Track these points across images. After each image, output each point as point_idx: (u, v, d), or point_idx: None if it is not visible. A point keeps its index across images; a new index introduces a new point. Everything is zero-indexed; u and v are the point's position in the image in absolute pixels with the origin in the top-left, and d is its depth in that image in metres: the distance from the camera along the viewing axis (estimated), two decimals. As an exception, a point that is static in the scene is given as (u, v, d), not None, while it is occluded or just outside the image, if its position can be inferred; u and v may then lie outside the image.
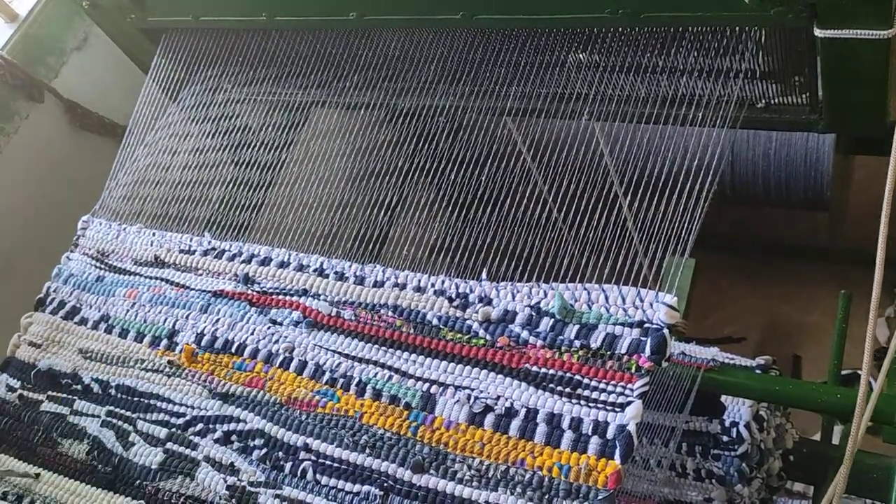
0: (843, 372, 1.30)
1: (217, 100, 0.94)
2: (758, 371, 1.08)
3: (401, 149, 0.82)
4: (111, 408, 0.76)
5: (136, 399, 0.76)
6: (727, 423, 0.98)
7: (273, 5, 0.81)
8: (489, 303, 0.67)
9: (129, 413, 0.75)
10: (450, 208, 0.79)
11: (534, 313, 0.65)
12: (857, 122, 0.74)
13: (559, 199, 0.77)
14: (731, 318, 1.62)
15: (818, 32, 0.60)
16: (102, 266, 0.86)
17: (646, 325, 0.61)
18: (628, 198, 0.76)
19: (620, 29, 0.72)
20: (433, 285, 0.70)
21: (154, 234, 0.85)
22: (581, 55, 0.77)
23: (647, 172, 0.74)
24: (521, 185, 0.82)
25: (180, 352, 0.75)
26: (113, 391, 0.77)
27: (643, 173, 0.75)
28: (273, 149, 0.91)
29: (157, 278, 0.82)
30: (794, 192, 1.35)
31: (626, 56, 0.74)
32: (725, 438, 0.99)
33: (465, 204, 0.79)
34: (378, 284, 0.72)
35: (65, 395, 0.79)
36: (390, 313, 0.70)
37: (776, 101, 0.76)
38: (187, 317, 0.78)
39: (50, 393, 0.80)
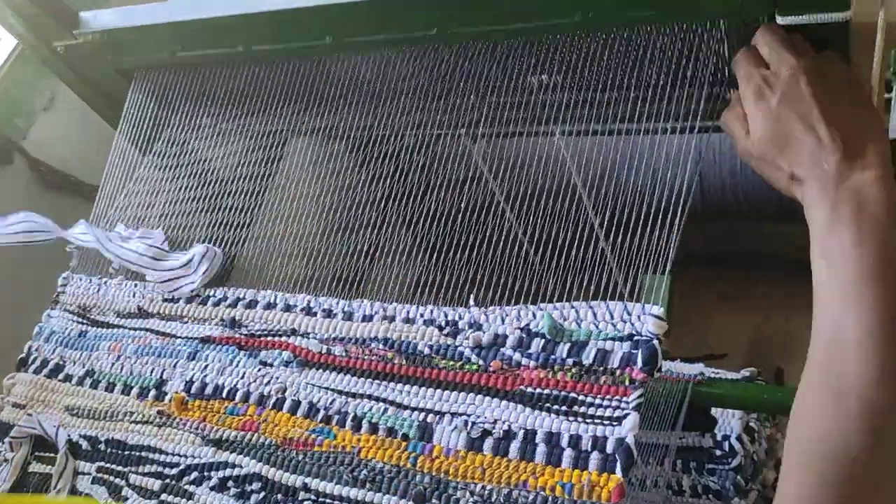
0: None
1: (191, 143, 0.94)
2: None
3: (378, 181, 0.83)
4: (102, 463, 0.75)
5: (126, 452, 0.74)
6: (719, 437, 0.99)
7: (250, 35, 0.82)
8: (479, 328, 0.68)
9: (120, 467, 0.74)
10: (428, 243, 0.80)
11: (524, 335, 0.66)
12: None
13: (532, 227, 0.78)
14: (712, 334, 1.63)
15: (780, 20, 0.63)
16: (85, 321, 0.85)
17: (636, 338, 0.61)
18: (603, 224, 0.77)
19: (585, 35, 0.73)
20: (422, 315, 0.70)
21: (136, 285, 0.85)
22: (543, 77, 0.78)
23: (620, 198, 0.75)
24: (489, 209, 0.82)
25: (170, 401, 0.74)
26: (102, 446, 0.75)
27: (616, 200, 0.76)
28: (249, 193, 0.91)
29: (141, 329, 0.81)
30: (766, 204, 1.37)
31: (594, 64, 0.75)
32: (718, 452, 0.99)
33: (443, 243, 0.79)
34: (367, 318, 0.72)
35: (52, 455, 0.77)
36: (381, 346, 0.70)
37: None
38: (175, 365, 0.77)
39: (37, 454, 0.78)
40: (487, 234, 0.77)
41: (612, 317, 0.63)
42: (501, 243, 0.75)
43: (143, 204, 0.94)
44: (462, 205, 0.80)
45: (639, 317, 0.63)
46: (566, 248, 0.71)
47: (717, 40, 0.69)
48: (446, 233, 0.78)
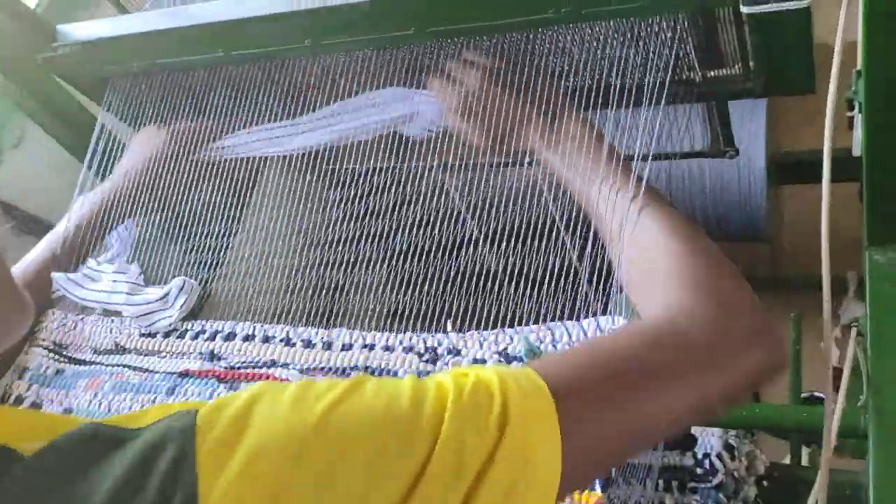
0: (802, 395, 1.33)
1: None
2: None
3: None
4: (80, 503, 0.74)
5: (105, 491, 0.73)
6: (700, 455, 1.00)
7: (229, 40, 0.84)
8: (458, 353, 0.68)
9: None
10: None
11: (502, 359, 0.66)
12: (789, 86, 0.80)
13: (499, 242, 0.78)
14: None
15: (745, 10, 0.66)
16: (61, 359, 0.84)
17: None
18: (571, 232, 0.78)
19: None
20: (401, 343, 0.71)
21: (113, 321, 0.84)
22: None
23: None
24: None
25: (149, 437, 0.74)
26: (80, 485, 0.75)
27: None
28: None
29: (118, 365, 0.81)
30: (733, 225, 1.40)
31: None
32: (700, 471, 1.00)
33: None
34: (346, 348, 0.72)
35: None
36: (361, 374, 0.70)
37: (711, 74, 0.81)
38: (153, 401, 0.76)
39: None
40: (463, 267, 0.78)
41: (586, 336, 0.64)
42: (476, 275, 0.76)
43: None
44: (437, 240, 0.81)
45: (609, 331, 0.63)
46: (542, 270, 0.73)
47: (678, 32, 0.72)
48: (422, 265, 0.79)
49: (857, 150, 0.92)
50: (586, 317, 0.66)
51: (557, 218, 0.79)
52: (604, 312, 0.66)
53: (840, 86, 0.73)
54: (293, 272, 0.86)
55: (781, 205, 1.61)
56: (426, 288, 0.77)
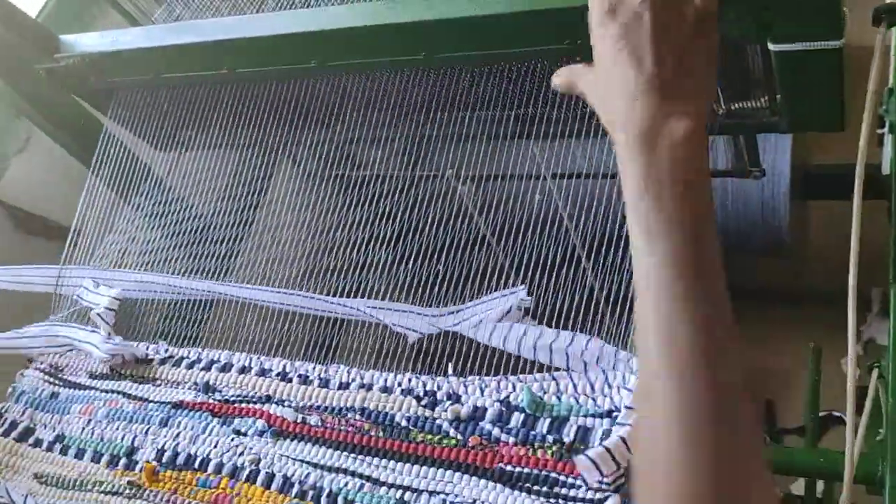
0: (820, 413, 1.29)
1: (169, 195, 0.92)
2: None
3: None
4: (70, 538, 0.72)
5: (96, 527, 0.72)
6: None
7: (235, 57, 0.81)
8: (458, 400, 0.66)
9: (89, 542, 0.71)
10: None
11: (504, 408, 0.63)
12: (816, 123, 0.77)
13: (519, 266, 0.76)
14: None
15: (772, 47, 0.62)
16: (57, 382, 0.83)
17: (615, 414, 0.59)
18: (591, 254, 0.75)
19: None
20: (400, 384, 0.68)
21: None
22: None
23: (609, 227, 0.74)
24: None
25: (140, 471, 0.72)
26: (71, 518, 0.73)
27: (604, 229, 0.75)
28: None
29: (113, 391, 0.79)
30: (755, 240, 1.36)
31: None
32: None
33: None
34: (343, 386, 0.70)
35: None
36: (357, 417, 0.68)
37: (736, 106, 0.78)
38: (146, 432, 0.74)
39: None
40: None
41: (592, 389, 0.61)
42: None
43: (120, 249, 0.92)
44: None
45: (619, 389, 0.61)
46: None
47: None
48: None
49: (886, 168, 0.88)
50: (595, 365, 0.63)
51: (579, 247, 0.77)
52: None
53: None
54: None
55: (807, 217, 1.56)
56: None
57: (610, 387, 0.61)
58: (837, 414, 1.55)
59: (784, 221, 1.32)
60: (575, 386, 0.62)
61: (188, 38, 0.82)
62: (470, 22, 0.68)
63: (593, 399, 0.61)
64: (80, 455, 0.76)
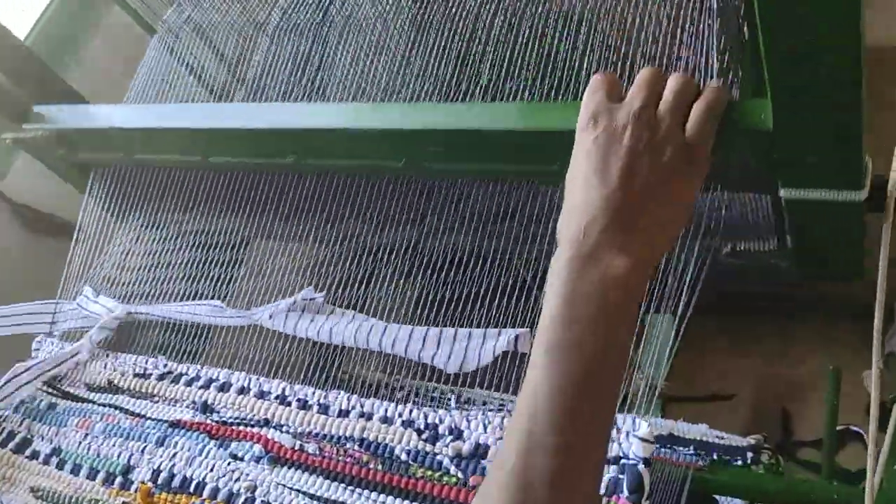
0: (838, 427, 1.26)
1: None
2: (749, 453, 1.05)
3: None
4: (63, 558, 0.71)
5: (89, 548, 0.71)
6: (722, 516, 0.94)
7: (207, 146, 0.77)
8: (459, 435, 0.63)
9: (81, 563, 0.70)
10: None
11: (507, 446, 0.61)
12: (830, 273, 0.71)
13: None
14: (717, 378, 1.58)
15: (783, 193, 0.55)
16: (55, 392, 0.81)
17: (622, 461, 0.57)
18: None
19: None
20: (401, 415, 0.66)
21: (108, 355, 0.81)
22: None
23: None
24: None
25: (135, 491, 0.71)
26: (65, 538, 0.72)
27: None
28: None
29: (110, 406, 0.77)
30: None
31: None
32: (722, 532, 0.95)
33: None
34: (343, 414, 0.68)
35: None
36: (356, 447, 0.66)
37: (742, 246, 0.72)
38: (143, 450, 0.73)
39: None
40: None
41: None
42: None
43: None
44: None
45: (627, 434, 0.58)
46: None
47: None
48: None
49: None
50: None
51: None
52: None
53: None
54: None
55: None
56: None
57: (618, 431, 0.59)
58: (855, 429, 1.52)
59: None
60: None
61: (162, 121, 0.78)
62: (456, 134, 0.64)
63: (600, 443, 0.59)
64: (75, 471, 0.75)
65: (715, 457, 1.05)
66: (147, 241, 0.89)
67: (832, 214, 0.56)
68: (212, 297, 0.80)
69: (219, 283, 0.82)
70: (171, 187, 0.84)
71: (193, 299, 0.81)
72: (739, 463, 1.05)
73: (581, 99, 0.50)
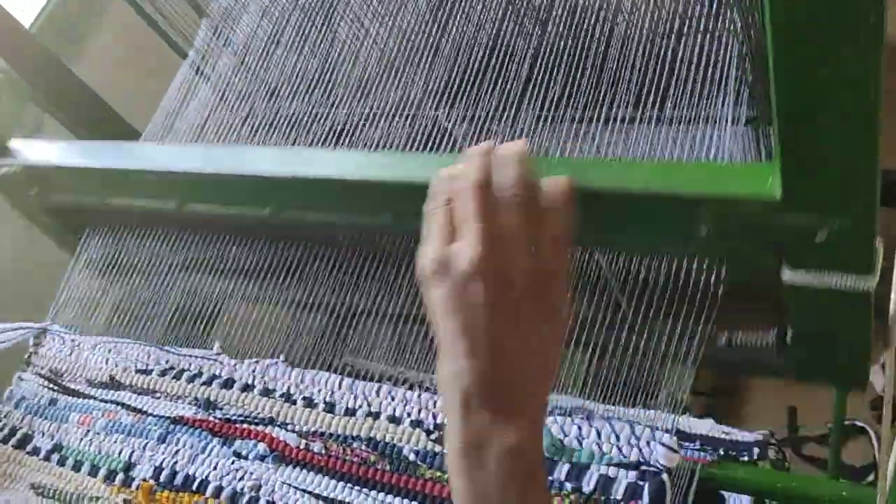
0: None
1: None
2: (756, 449, 1.04)
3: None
4: (64, 557, 0.70)
5: (90, 546, 0.70)
6: (729, 513, 0.93)
7: (185, 192, 0.73)
8: (470, 436, 0.62)
9: (83, 562, 0.69)
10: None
11: (519, 448, 0.60)
12: (833, 374, 0.64)
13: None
14: (721, 374, 1.57)
15: (786, 276, 0.49)
16: (55, 388, 0.80)
17: (643, 468, 0.56)
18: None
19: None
20: (409, 415, 0.65)
21: (110, 351, 0.79)
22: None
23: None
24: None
25: (137, 488, 0.69)
26: (66, 536, 0.71)
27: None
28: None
29: (112, 402, 0.76)
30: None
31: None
32: (728, 529, 0.94)
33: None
34: (350, 413, 0.67)
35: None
36: (363, 447, 0.64)
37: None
38: (144, 447, 0.71)
39: (-1, 536, 0.74)
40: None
41: (617, 439, 0.57)
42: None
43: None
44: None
45: (648, 442, 0.57)
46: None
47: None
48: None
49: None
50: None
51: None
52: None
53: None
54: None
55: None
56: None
57: (637, 438, 0.57)
58: (860, 423, 1.51)
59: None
60: (598, 433, 0.58)
61: (135, 162, 0.74)
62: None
63: (618, 448, 0.57)
64: (77, 467, 0.74)
65: (721, 452, 1.04)
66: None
67: (837, 302, 0.50)
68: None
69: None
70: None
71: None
72: (746, 458, 1.04)
73: None
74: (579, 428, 0.59)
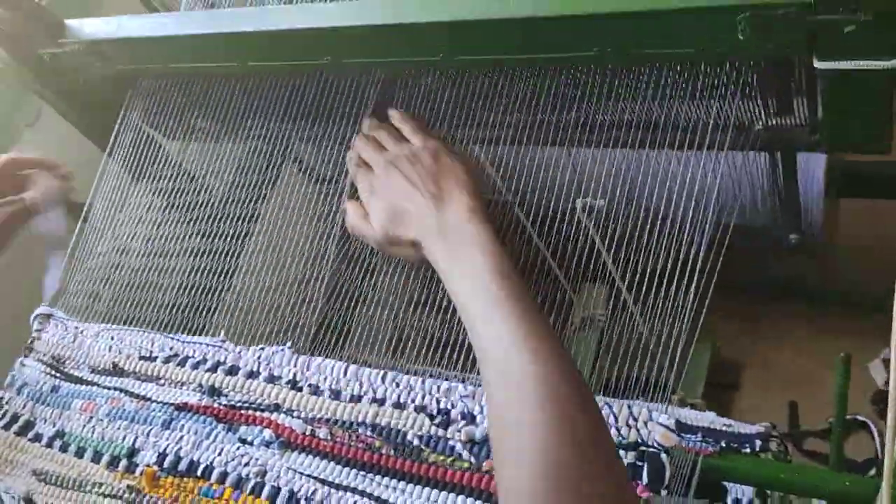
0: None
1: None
2: (758, 441, 1.04)
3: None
4: (67, 543, 0.70)
5: (93, 532, 0.69)
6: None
7: (245, 52, 0.77)
8: (472, 420, 0.62)
9: (86, 548, 0.69)
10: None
11: (523, 433, 0.60)
12: (857, 143, 0.70)
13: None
14: (723, 366, 1.58)
15: (818, 64, 0.57)
16: (58, 374, 0.80)
17: (641, 448, 0.56)
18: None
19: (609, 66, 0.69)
20: (413, 401, 0.65)
21: (113, 338, 0.79)
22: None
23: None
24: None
25: (141, 474, 0.69)
26: (69, 523, 0.71)
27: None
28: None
29: (115, 388, 0.76)
30: (782, 240, 1.31)
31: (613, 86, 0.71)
32: (730, 518, 0.94)
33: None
34: (355, 399, 0.67)
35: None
36: (368, 433, 0.65)
37: (774, 122, 0.73)
38: (148, 433, 0.72)
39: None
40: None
41: (616, 420, 0.58)
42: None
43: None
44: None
45: (645, 423, 0.57)
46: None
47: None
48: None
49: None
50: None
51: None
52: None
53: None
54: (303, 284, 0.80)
55: (837, 212, 1.51)
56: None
57: (635, 419, 0.58)
58: (861, 418, 1.51)
59: (818, 222, 1.27)
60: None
61: (195, 28, 0.77)
62: (491, 24, 0.63)
63: (616, 429, 0.58)
64: (80, 454, 0.73)
65: (723, 444, 1.04)
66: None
67: (863, 82, 0.57)
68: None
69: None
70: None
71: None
72: (748, 450, 1.04)
73: None
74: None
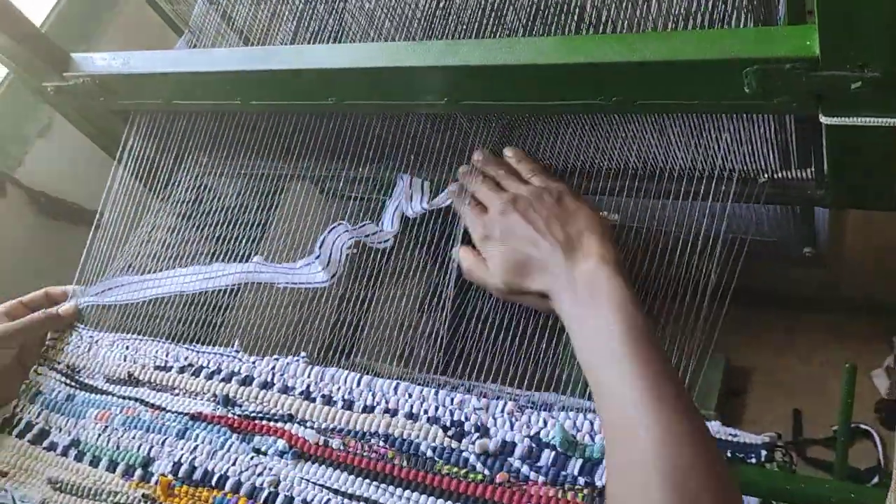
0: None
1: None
2: (763, 451, 1.05)
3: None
4: (83, 552, 0.71)
5: (109, 539, 0.70)
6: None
7: (247, 90, 0.78)
8: (486, 433, 0.63)
9: (102, 555, 0.70)
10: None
11: (534, 445, 0.61)
12: (863, 199, 0.72)
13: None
14: (725, 374, 1.58)
15: (824, 120, 0.57)
16: (73, 383, 0.81)
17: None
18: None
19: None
20: (426, 412, 0.66)
21: (128, 348, 0.80)
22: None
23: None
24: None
25: (156, 483, 0.70)
26: (84, 532, 0.72)
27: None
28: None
29: (130, 398, 0.77)
30: (792, 250, 1.32)
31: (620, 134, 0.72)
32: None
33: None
34: (368, 409, 0.68)
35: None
36: (381, 443, 0.65)
37: (779, 175, 0.74)
38: (163, 443, 0.73)
39: (18, 530, 0.75)
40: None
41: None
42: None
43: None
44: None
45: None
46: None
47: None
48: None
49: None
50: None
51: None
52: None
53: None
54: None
55: (843, 227, 1.52)
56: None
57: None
58: (865, 426, 1.52)
59: (823, 233, 1.28)
60: (611, 426, 0.59)
61: (199, 66, 0.78)
62: (497, 71, 0.64)
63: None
64: (94, 463, 0.74)
65: (729, 454, 1.04)
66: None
67: (868, 137, 0.58)
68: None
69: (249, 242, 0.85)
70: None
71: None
72: (753, 461, 1.04)
73: None
74: (591, 423, 0.60)
